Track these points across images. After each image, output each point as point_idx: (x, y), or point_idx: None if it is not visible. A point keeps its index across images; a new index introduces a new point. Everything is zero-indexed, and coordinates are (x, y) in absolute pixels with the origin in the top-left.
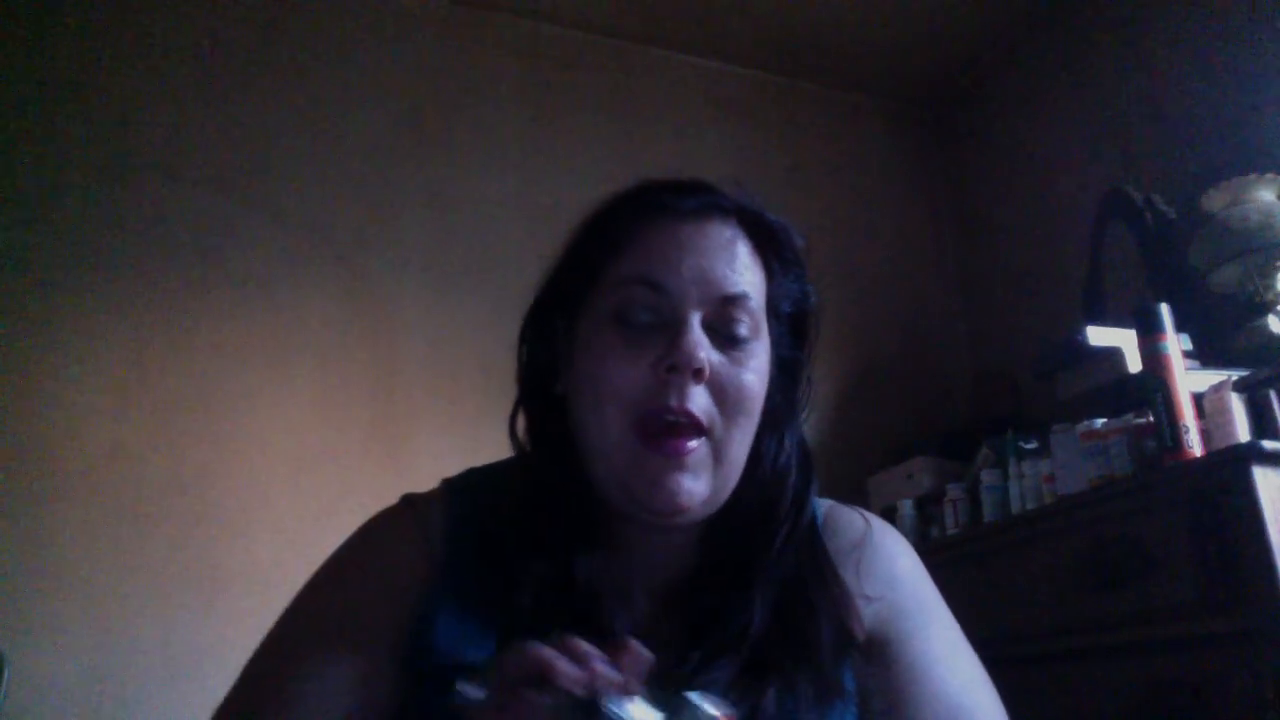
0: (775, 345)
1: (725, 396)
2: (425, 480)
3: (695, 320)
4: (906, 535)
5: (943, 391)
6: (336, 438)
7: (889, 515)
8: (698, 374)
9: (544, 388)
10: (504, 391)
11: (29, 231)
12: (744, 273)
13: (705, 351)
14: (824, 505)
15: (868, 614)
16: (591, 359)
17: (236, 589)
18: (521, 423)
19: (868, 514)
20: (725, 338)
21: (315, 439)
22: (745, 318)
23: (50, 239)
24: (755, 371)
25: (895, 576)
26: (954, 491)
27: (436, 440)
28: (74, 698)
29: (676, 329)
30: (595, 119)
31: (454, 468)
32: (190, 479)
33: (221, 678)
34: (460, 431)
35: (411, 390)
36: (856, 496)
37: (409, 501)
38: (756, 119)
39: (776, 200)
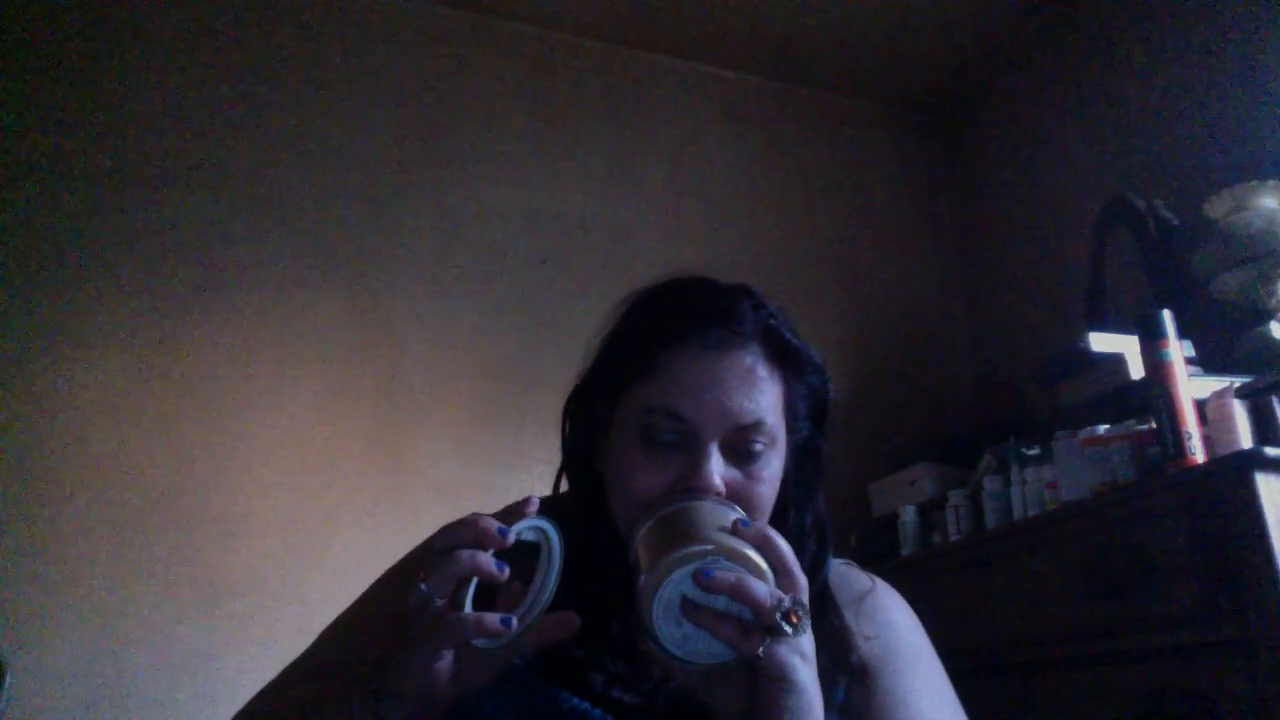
0: (792, 434)
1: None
2: (426, 486)
3: (713, 448)
4: (908, 542)
5: (945, 398)
6: (338, 443)
7: (890, 522)
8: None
9: (583, 460)
10: (505, 397)
11: (31, 236)
12: (759, 399)
13: (720, 475)
14: (837, 562)
15: (863, 649)
16: (621, 467)
17: (237, 593)
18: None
19: (876, 578)
20: (741, 454)
21: (317, 444)
22: (760, 438)
23: (52, 244)
24: (768, 482)
25: (892, 625)
26: (956, 498)
27: (438, 446)
28: (75, 701)
29: (696, 454)
30: (599, 125)
31: (456, 474)
32: (192, 483)
33: (222, 681)
34: (462, 437)
35: (414, 396)
36: (858, 503)
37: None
38: (760, 126)
39: (779, 206)
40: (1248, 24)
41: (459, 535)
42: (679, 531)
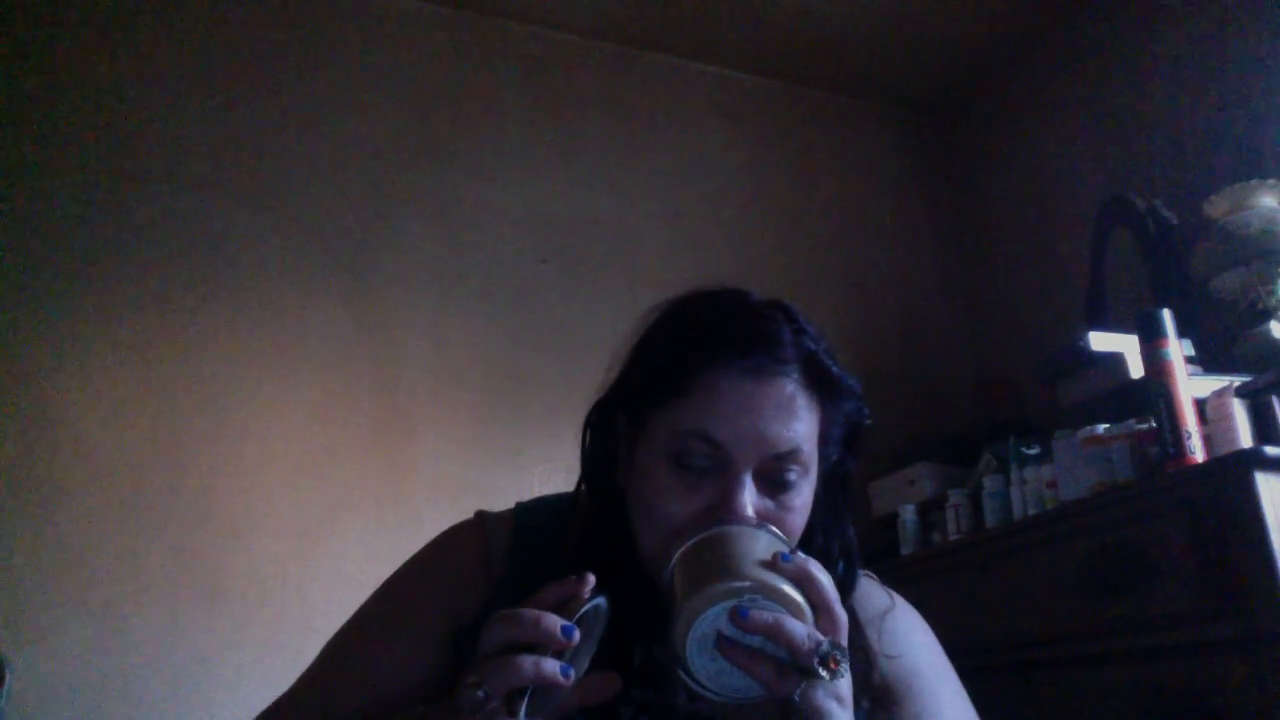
0: (824, 461)
1: None
2: (426, 486)
3: (747, 477)
4: (908, 542)
5: (944, 397)
6: (339, 443)
7: (890, 521)
8: None
9: (604, 473)
10: (505, 397)
11: (31, 237)
12: (797, 426)
13: (753, 505)
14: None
15: (885, 668)
16: (649, 490)
17: (238, 593)
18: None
19: (894, 594)
20: (775, 483)
21: (317, 444)
22: (795, 466)
23: (52, 244)
24: (799, 510)
25: (912, 644)
26: (956, 497)
27: (438, 446)
28: (76, 702)
29: (729, 482)
30: (600, 125)
31: (456, 474)
32: (192, 483)
33: (223, 681)
34: (462, 437)
35: (414, 396)
36: (858, 503)
37: (480, 516)
38: (761, 125)
39: (779, 206)
40: (1248, 24)
41: (516, 633)
42: (717, 563)
